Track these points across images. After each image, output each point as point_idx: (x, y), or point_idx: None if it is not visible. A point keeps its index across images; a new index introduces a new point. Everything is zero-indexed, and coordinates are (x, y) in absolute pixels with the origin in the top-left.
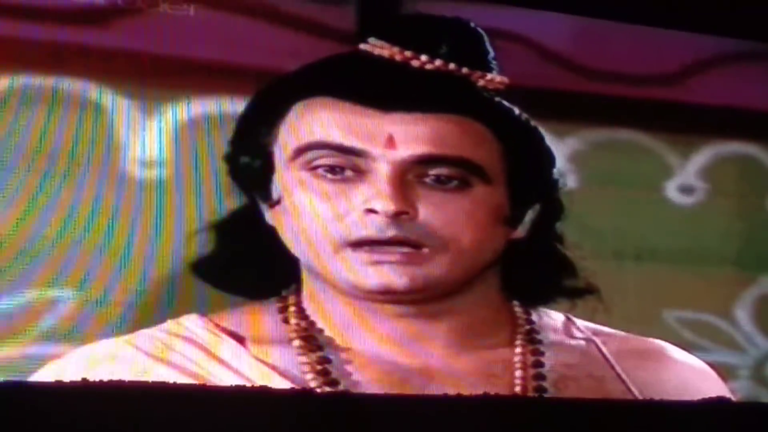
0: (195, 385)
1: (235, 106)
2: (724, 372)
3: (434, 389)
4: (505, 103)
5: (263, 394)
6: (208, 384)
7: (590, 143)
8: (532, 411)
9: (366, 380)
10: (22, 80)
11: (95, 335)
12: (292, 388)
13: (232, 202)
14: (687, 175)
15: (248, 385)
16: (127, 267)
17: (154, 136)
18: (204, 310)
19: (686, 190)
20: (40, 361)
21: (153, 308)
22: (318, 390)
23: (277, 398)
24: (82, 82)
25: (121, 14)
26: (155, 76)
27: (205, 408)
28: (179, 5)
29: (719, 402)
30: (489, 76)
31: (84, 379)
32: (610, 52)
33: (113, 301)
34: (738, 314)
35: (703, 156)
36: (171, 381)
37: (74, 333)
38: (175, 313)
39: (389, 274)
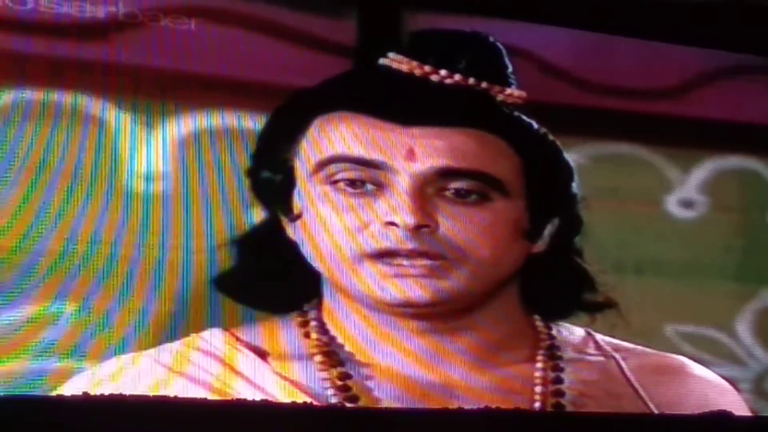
0: (201, 399)
1: (237, 119)
2: None
3: (455, 405)
4: (524, 117)
5: (277, 408)
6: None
7: (591, 157)
8: (550, 425)
9: (386, 396)
10: (24, 95)
11: (99, 350)
12: (294, 402)
13: (239, 214)
14: (687, 188)
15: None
16: (132, 281)
17: (156, 150)
18: (217, 324)
19: (687, 203)
20: (42, 376)
21: (162, 323)
22: (339, 405)
23: (291, 412)
24: (84, 96)
25: (122, 28)
26: (157, 90)
27: (216, 423)
28: (180, 19)
29: (720, 416)
30: (508, 90)
31: (85, 393)
32: (610, 66)
33: (117, 315)
34: (738, 328)
35: (703, 170)
36: (194, 396)
37: (77, 348)
38: (187, 327)
39: (411, 287)
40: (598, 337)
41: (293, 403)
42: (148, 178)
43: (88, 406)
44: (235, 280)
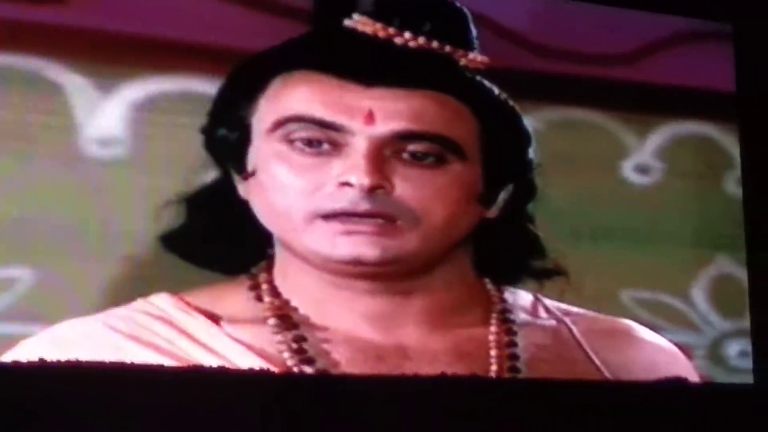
0: (158, 365)
1: (193, 83)
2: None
3: (410, 367)
4: (486, 82)
5: (228, 374)
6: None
7: (546, 122)
8: (506, 391)
9: (342, 358)
10: None
11: (55, 314)
12: (251, 369)
13: (193, 178)
14: (644, 154)
15: (226, 364)
16: (88, 245)
17: (111, 115)
18: (170, 289)
19: (643, 169)
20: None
21: (116, 287)
22: (295, 369)
23: (248, 378)
24: (38, 60)
25: None
26: (112, 54)
27: (173, 389)
28: None
29: (675, 382)
30: (471, 55)
31: (41, 359)
32: (565, 30)
33: (73, 280)
34: (694, 294)
35: (660, 136)
36: (146, 361)
37: (33, 312)
38: (140, 293)
39: (361, 244)
40: (547, 301)
41: (251, 369)
42: (104, 142)
43: (43, 372)
44: (184, 238)
